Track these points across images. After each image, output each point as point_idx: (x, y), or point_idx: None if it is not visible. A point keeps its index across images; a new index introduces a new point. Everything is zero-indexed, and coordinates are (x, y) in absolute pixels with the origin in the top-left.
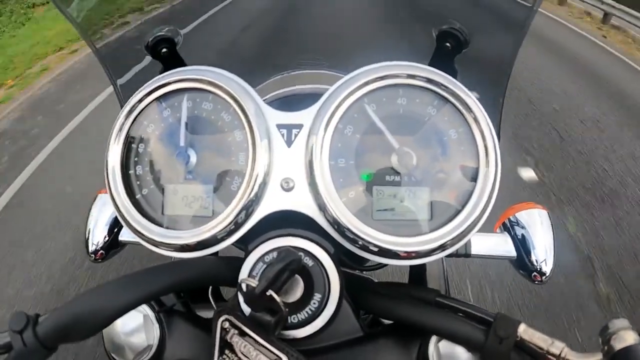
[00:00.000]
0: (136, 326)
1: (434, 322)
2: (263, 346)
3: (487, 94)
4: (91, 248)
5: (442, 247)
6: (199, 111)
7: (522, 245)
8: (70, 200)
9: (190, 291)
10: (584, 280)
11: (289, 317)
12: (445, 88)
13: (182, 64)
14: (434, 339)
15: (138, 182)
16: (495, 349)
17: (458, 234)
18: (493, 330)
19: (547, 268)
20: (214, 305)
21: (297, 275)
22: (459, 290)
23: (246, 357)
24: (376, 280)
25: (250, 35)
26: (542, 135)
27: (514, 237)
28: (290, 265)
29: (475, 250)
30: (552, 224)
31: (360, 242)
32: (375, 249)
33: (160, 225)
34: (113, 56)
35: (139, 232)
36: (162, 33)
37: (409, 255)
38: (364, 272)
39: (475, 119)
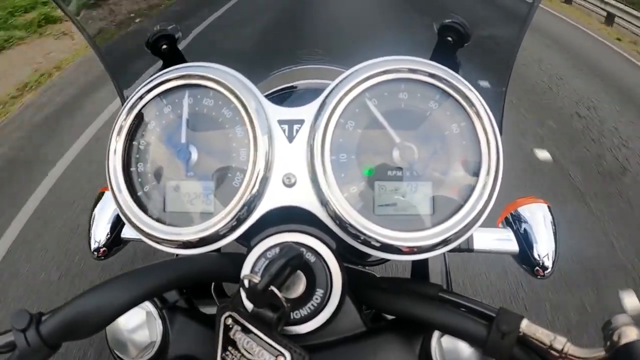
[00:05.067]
0: (139, 323)
1: (436, 317)
2: (266, 342)
3: (489, 88)
4: (94, 246)
5: (445, 242)
6: (200, 108)
7: (525, 240)
8: None
9: (193, 287)
10: None
11: (291, 313)
12: (447, 82)
13: (182, 60)
14: (436, 334)
15: (140, 180)
16: (498, 344)
17: (460, 228)
18: (495, 325)
19: (549, 262)
20: (217, 302)
21: (299, 271)
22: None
23: (249, 353)
24: (378, 276)
25: (251, 31)
26: None
27: (516, 232)
28: (293, 261)
29: (477, 245)
30: (554, 219)
31: (362, 238)
32: (377, 244)
33: (163, 222)
34: (113, 54)
35: (141, 230)
36: (163, 29)
37: (411, 251)
38: (366, 267)
39: (477, 114)
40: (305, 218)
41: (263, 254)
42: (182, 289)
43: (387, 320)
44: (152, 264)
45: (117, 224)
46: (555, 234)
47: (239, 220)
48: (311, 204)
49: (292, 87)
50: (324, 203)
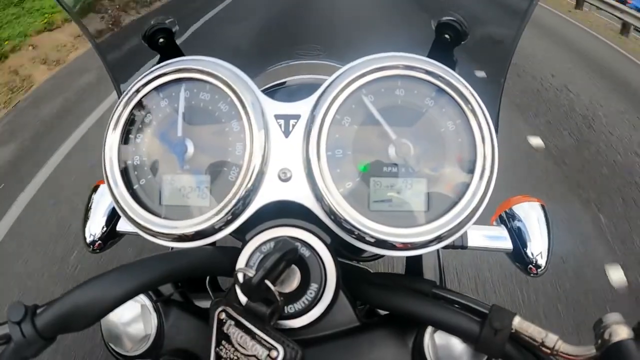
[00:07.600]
0: (134, 316)
1: (429, 313)
2: (259, 336)
3: (485, 86)
4: (89, 239)
5: (439, 239)
6: (197, 101)
7: (519, 237)
8: None
9: (188, 281)
10: None
11: (285, 307)
12: (444, 80)
13: (179, 54)
14: (429, 329)
15: (136, 173)
16: (490, 340)
17: (455, 225)
18: (488, 322)
19: (542, 261)
20: (212, 295)
21: (293, 266)
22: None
23: (243, 347)
24: (372, 271)
25: (248, 25)
26: None
27: (510, 230)
28: (287, 256)
29: (471, 242)
30: (547, 217)
31: (356, 233)
32: (372, 240)
33: (158, 215)
34: (110, 47)
35: (137, 223)
36: (160, 23)
37: (405, 247)
38: (361, 263)
39: (473, 111)
40: (301, 213)
41: (258, 248)
42: (177, 282)
43: (381, 316)
44: (147, 257)
45: (113, 217)
46: (549, 232)
47: (234, 214)
48: (306, 199)
49: (289, 82)
50: (319, 198)
